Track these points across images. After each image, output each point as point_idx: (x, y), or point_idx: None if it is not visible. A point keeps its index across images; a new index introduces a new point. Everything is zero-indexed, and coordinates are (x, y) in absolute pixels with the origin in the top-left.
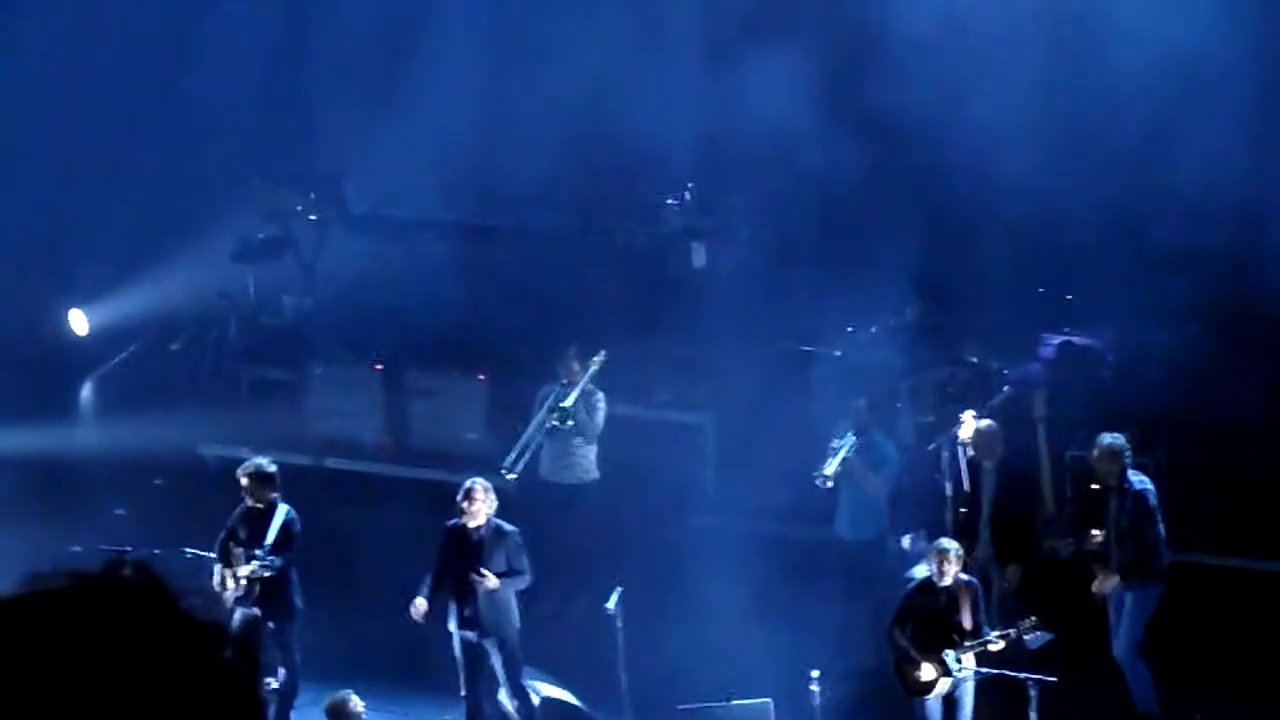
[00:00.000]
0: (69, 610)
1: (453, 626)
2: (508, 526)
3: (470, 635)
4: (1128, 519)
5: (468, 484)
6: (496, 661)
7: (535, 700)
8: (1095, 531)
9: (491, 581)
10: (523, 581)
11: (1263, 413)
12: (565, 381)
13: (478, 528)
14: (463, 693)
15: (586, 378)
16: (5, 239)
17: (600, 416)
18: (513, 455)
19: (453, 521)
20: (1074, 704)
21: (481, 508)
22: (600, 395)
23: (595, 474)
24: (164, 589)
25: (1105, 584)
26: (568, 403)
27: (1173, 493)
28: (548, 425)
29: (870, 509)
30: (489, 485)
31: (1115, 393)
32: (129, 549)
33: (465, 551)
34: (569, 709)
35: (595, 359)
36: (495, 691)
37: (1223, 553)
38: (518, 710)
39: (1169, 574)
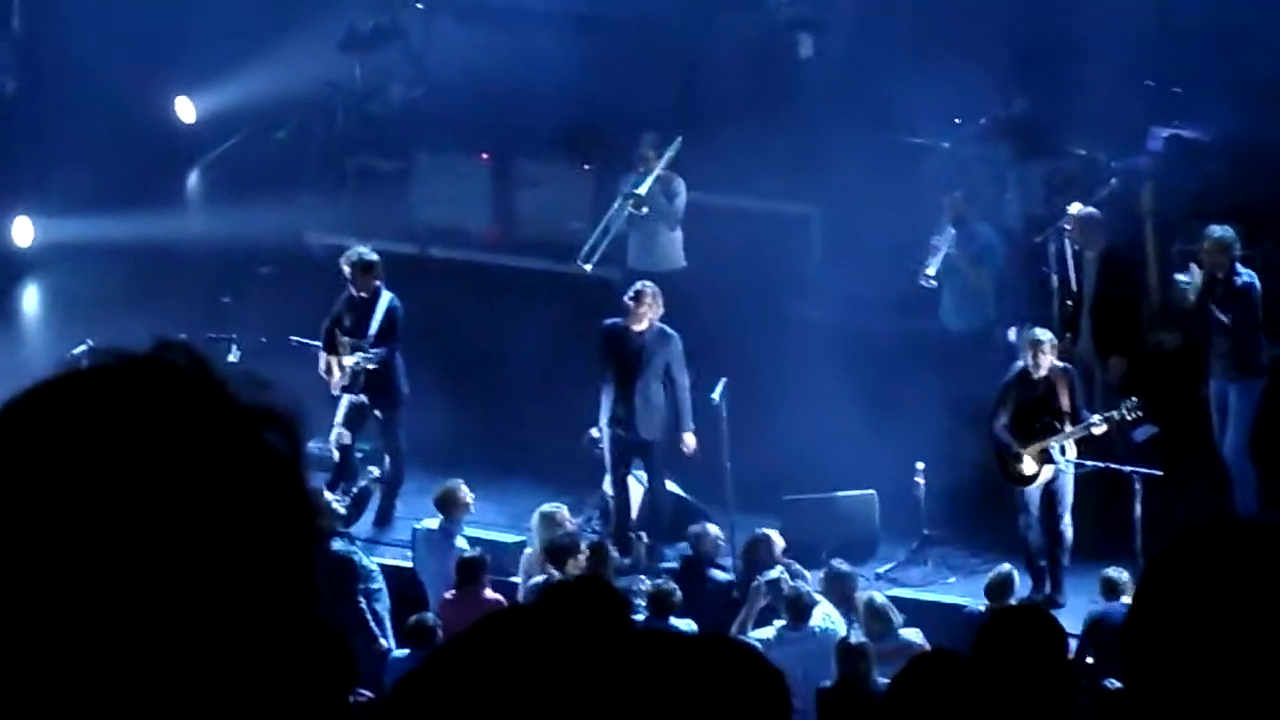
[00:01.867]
0: (102, 389)
1: (604, 422)
2: (670, 331)
3: (621, 433)
4: (1231, 312)
5: (638, 286)
6: (643, 462)
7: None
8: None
9: (689, 444)
10: (686, 385)
11: None
12: (642, 169)
13: (641, 332)
14: (605, 488)
15: (663, 164)
16: (113, 27)
17: (680, 202)
18: (587, 246)
19: (611, 321)
20: (1178, 500)
21: (648, 311)
22: (679, 181)
23: (682, 262)
24: (207, 370)
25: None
26: (642, 190)
27: (1277, 287)
28: (626, 213)
29: (976, 298)
30: (658, 290)
31: (1223, 187)
32: (235, 337)
33: (626, 354)
34: (673, 498)
35: (671, 145)
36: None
37: None
38: (662, 507)
39: (1272, 368)
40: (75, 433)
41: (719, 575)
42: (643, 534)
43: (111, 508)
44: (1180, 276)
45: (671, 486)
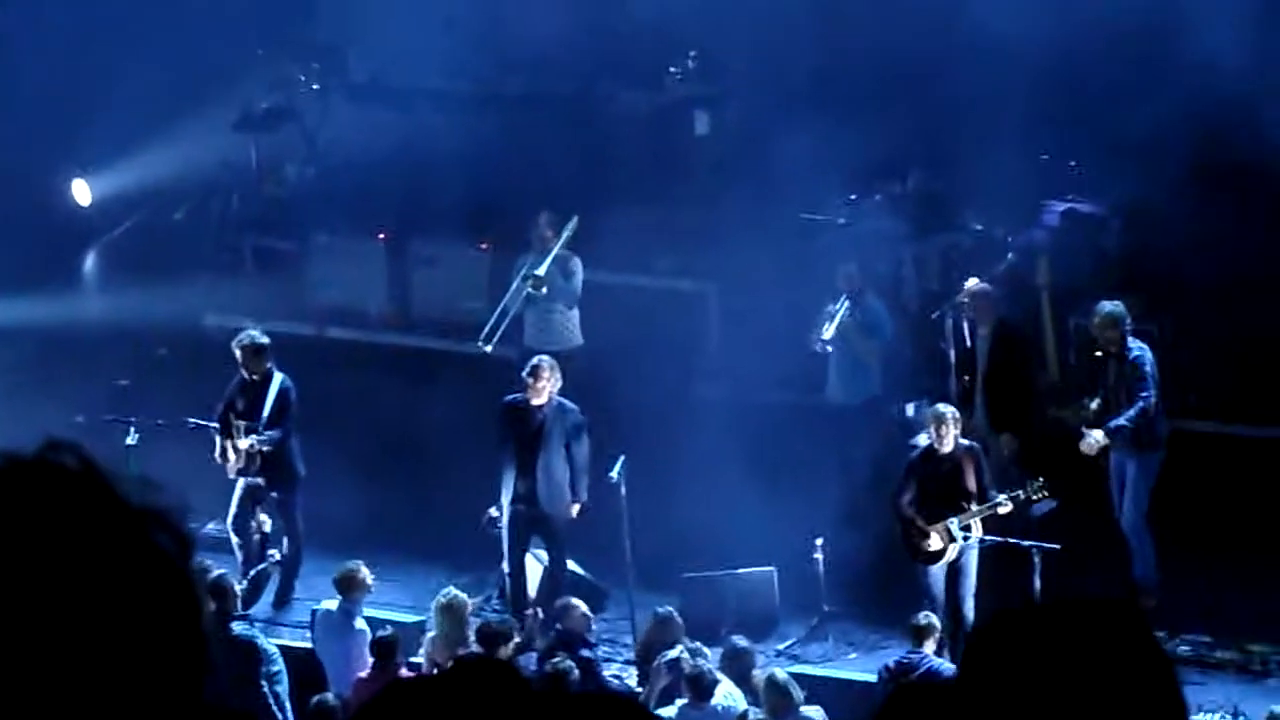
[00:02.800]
0: None
1: (505, 500)
2: (569, 404)
3: (522, 509)
4: (1126, 386)
5: (534, 360)
6: (546, 536)
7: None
8: (1094, 401)
9: (574, 511)
10: (584, 458)
11: (1269, 280)
12: (540, 249)
13: (541, 406)
14: (504, 566)
15: (560, 243)
16: (9, 109)
17: (577, 281)
18: (487, 327)
19: (511, 397)
20: (1077, 573)
21: (546, 385)
22: (576, 260)
23: (579, 340)
24: (96, 471)
25: (1090, 444)
26: (541, 270)
27: (1177, 360)
28: (524, 293)
29: (862, 372)
30: (555, 363)
31: (1119, 260)
32: (132, 419)
33: (526, 429)
34: (573, 578)
35: (568, 224)
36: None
37: (1228, 420)
38: (547, 584)
39: (1171, 441)
40: None
41: (586, 653)
42: (538, 610)
43: None
44: (1086, 401)
45: (571, 565)
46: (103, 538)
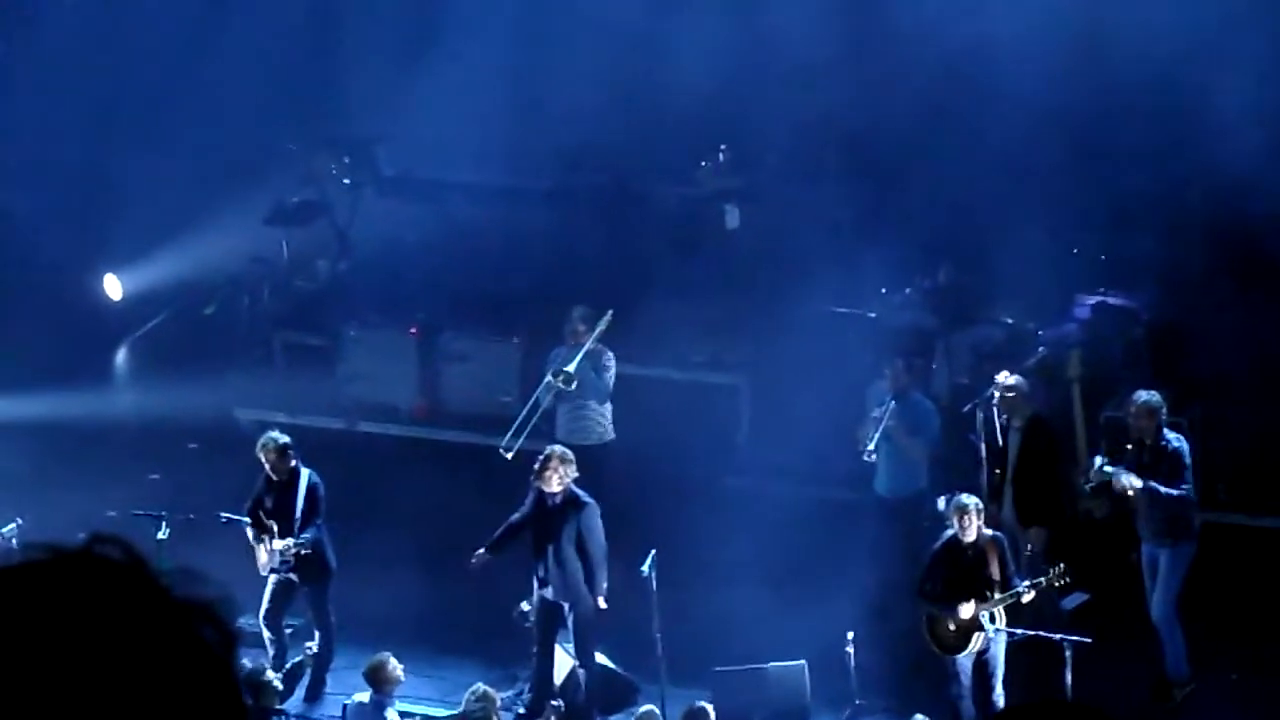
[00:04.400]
0: (36, 585)
1: (535, 584)
2: (585, 497)
3: (546, 595)
4: (1162, 478)
5: (545, 451)
6: (569, 628)
7: (594, 676)
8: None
9: (600, 605)
10: (598, 553)
11: None
12: (572, 343)
13: (553, 495)
14: (535, 649)
15: (593, 338)
16: (41, 203)
17: (610, 376)
18: (510, 433)
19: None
20: (1108, 666)
21: (554, 476)
22: (610, 355)
23: (611, 435)
24: (141, 564)
25: (1124, 484)
26: (571, 366)
27: (1207, 452)
28: (555, 389)
29: (910, 467)
30: (567, 454)
31: (1150, 353)
32: (164, 514)
33: (541, 518)
34: (604, 671)
35: (601, 319)
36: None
37: (1258, 513)
38: (583, 678)
39: (1203, 534)
40: (8, 632)
41: None
42: (560, 702)
43: (47, 705)
44: (1108, 468)
45: (602, 659)
46: (148, 631)
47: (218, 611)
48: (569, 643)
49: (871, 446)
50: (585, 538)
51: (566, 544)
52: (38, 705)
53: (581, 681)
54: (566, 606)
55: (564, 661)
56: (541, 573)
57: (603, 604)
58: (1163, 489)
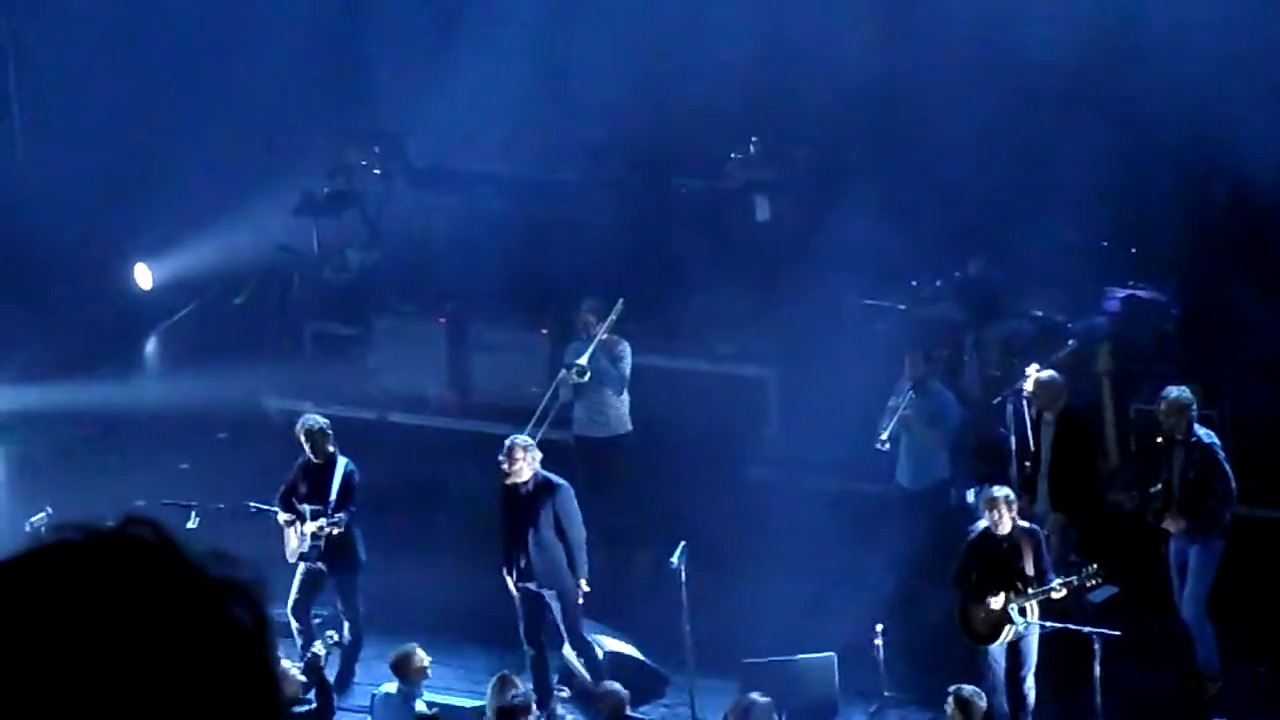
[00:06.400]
0: (70, 566)
1: (510, 580)
2: (556, 480)
3: (529, 587)
4: (1195, 472)
5: (506, 442)
6: (556, 613)
7: (599, 653)
8: (1155, 489)
9: (583, 589)
10: (576, 534)
11: None
12: (585, 335)
13: (524, 483)
14: (525, 645)
15: (604, 329)
16: (72, 193)
17: (625, 366)
18: (531, 424)
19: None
20: (1137, 659)
21: (521, 465)
22: (624, 344)
23: (628, 426)
24: (173, 544)
25: (1173, 524)
26: (583, 359)
27: (1237, 446)
28: (570, 382)
29: (930, 458)
30: (529, 442)
31: (1180, 346)
32: (194, 503)
33: (516, 507)
34: (633, 663)
35: (613, 310)
36: (559, 645)
37: None
38: (582, 664)
39: (1233, 528)
40: (43, 611)
41: None
42: (563, 689)
43: (79, 685)
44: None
45: (628, 649)
46: (181, 610)
47: (250, 592)
48: (599, 635)
49: (885, 436)
50: (563, 520)
51: (546, 529)
52: (72, 683)
53: (587, 664)
54: (549, 595)
55: (608, 644)
56: (522, 563)
57: (585, 586)
58: (1211, 506)
